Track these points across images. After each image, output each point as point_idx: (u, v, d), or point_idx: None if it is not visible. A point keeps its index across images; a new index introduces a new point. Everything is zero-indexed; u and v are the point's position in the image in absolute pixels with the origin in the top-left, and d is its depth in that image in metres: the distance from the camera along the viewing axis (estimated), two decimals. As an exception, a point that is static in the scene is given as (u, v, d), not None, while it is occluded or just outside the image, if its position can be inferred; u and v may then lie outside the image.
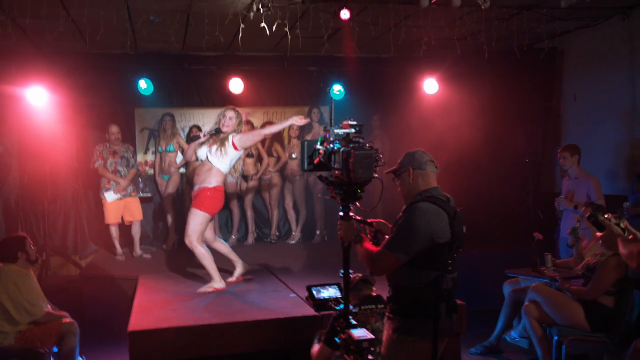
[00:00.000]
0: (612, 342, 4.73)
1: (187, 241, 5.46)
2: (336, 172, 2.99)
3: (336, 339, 3.09)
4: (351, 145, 2.88)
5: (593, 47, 7.83)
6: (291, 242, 8.64)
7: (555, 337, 5.00)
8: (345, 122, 2.99)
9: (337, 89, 8.76)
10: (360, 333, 2.87)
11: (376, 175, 2.90)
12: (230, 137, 5.48)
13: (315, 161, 3.09)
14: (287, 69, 8.66)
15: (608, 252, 4.66)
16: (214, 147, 5.47)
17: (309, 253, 7.82)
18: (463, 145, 7.68)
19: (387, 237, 3.10)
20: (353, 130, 2.97)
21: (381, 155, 2.93)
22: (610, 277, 4.68)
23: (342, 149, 2.90)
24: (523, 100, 8.52)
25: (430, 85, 8.54)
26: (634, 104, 7.21)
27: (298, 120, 5.40)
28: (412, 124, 8.62)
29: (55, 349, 4.88)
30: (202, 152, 5.55)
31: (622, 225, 3.17)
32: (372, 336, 2.86)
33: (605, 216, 3.28)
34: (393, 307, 3.10)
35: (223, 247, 5.92)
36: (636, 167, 6.77)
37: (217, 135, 5.55)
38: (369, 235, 3.29)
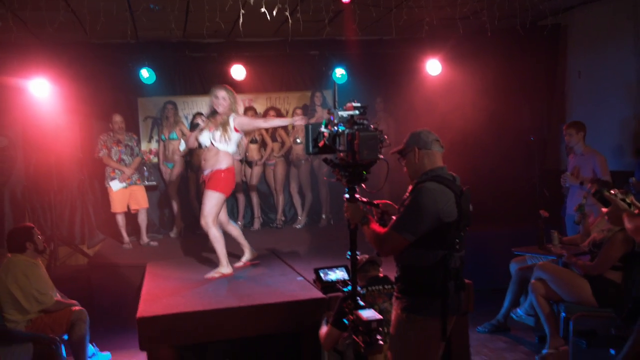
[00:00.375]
0: (619, 317, 4.73)
1: (202, 222, 5.44)
2: (341, 154, 2.98)
3: (344, 320, 3.10)
4: (356, 127, 2.89)
5: (597, 23, 7.75)
6: (297, 227, 8.66)
7: (563, 314, 5.02)
8: (349, 104, 2.98)
9: (339, 72, 8.71)
10: (368, 314, 2.88)
11: (381, 156, 2.90)
12: (230, 121, 5.43)
13: (320, 144, 3.08)
14: (289, 54, 8.63)
15: (615, 227, 4.65)
16: (217, 134, 5.41)
17: (315, 237, 7.84)
18: (467, 125, 7.65)
19: (394, 217, 3.10)
20: (357, 112, 2.97)
21: (386, 137, 2.93)
22: (617, 252, 4.68)
23: (346, 131, 2.91)
24: (527, 78, 8.46)
25: (433, 66, 8.49)
26: (639, 79, 7.15)
27: (299, 121, 5.50)
28: (416, 105, 8.60)
29: (65, 337, 4.94)
30: (205, 138, 5.50)
31: (628, 200, 3.15)
32: (381, 317, 2.87)
33: (612, 192, 3.26)
34: (401, 287, 3.11)
35: (235, 230, 5.94)
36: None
37: (215, 118, 5.50)
38: (375, 217, 3.28)
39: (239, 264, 5.92)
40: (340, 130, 2.96)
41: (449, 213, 2.97)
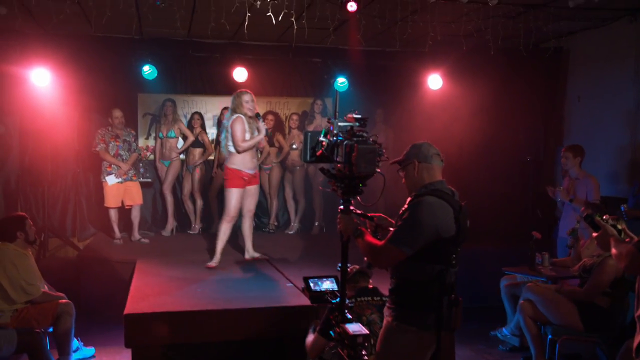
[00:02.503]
0: (605, 343, 4.75)
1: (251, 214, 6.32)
2: (338, 165, 2.96)
3: (331, 332, 3.09)
4: (355, 139, 2.86)
5: (599, 48, 7.81)
6: (289, 233, 8.65)
7: (550, 336, 5.03)
8: (349, 115, 2.97)
9: (340, 81, 8.73)
10: (355, 328, 2.87)
11: (379, 170, 2.88)
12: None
13: (318, 153, 3.06)
14: (292, 60, 8.65)
15: (605, 253, 4.66)
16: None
17: (306, 244, 7.83)
18: (464, 141, 7.68)
19: (391, 229, 3.07)
20: (357, 124, 2.95)
21: (384, 151, 2.91)
22: (607, 278, 4.69)
23: (345, 142, 2.88)
24: (526, 99, 8.51)
25: (434, 81, 8.52)
26: (638, 107, 7.19)
27: (262, 127, 6.06)
28: (415, 118, 8.62)
29: (50, 329, 4.91)
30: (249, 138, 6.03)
31: (619, 227, 3.17)
32: (367, 331, 2.86)
33: (604, 217, 3.28)
34: (395, 299, 3.09)
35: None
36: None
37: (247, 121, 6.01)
38: (369, 230, 3.25)
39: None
40: (339, 140, 2.93)
41: (448, 228, 2.95)
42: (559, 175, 8.08)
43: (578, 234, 5.49)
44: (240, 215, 6.25)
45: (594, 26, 7.61)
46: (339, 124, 2.98)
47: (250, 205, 6.25)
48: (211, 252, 6.45)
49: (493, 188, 8.25)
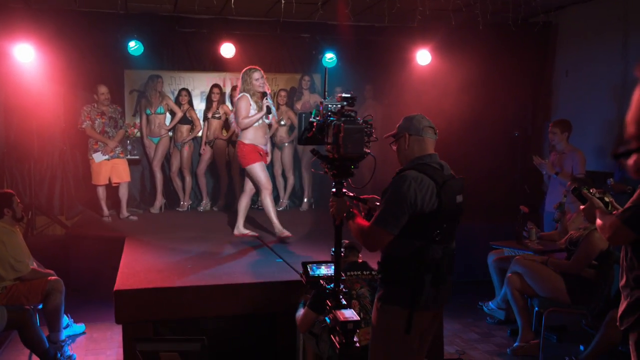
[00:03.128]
0: (590, 315, 4.83)
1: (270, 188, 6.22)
2: (328, 146, 2.88)
3: (327, 319, 3.01)
4: (342, 119, 2.77)
5: (588, 23, 7.80)
6: (278, 209, 8.61)
7: (536, 308, 5.10)
8: (338, 95, 2.89)
9: (329, 56, 8.69)
10: (347, 314, 2.81)
11: (368, 150, 2.79)
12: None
13: (309, 135, 2.97)
14: (280, 35, 8.56)
15: (591, 226, 4.72)
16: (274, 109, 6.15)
17: (296, 220, 7.83)
18: (453, 116, 7.68)
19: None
20: (345, 103, 2.85)
21: (374, 130, 2.82)
22: (593, 251, 4.74)
23: (333, 123, 2.79)
24: (515, 73, 8.50)
25: (423, 57, 8.50)
26: (625, 81, 7.21)
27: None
28: (404, 94, 8.60)
29: (40, 306, 4.91)
30: (261, 115, 6.02)
31: (607, 199, 3.19)
32: (358, 318, 2.81)
33: (591, 190, 3.30)
34: (381, 276, 3.05)
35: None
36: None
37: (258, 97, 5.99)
38: (362, 213, 3.18)
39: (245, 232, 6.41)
40: (328, 121, 2.84)
41: (427, 203, 2.84)
42: (546, 149, 8.12)
43: (564, 208, 5.54)
44: (243, 191, 6.46)
45: (583, 0, 7.59)
46: (327, 103, 2.88)
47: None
48: (198, 228, 6.47)
49: (481, 163, 8.28)
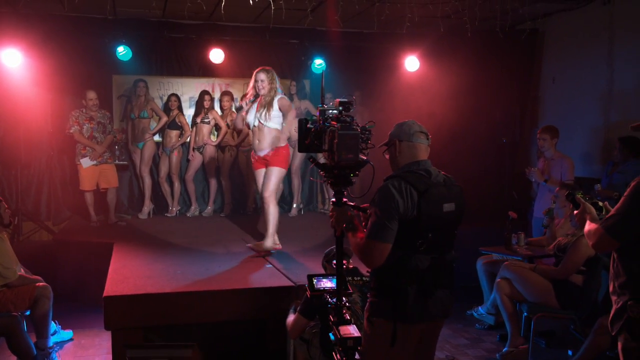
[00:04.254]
0: (579, 320, 4.86)
1: (266, 194, 5.67)
2: (324, 153, 2.77)
3: (330, 335, 2.88)
4: (338, 125, 2.66)
5: (574, 31, 7.89)
6: (267, 215, 8.63)
7: (525, 314, 5.13)
8: (336, 100, 2.79)
9: (318, 62, 8.72)
10: (349, 330, 2.69)
11: (364, 157, 2.69)
12: (275, 100, 5.62)
13: (307, 142, 2.84)
14: (269, 41, 8.58)
15: (578, 232, 4.76)
16: (263, 112, 5.59)
17: (285, 225, 7.78)
18: (441, 123, 7.72)
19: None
20: (341, 108, 2.75)
21: (371, 136, 2.72)
22: (581, 256, 4.78)
23: (329, 129, 2.69)
24: (502, 80, 8.57)
25: (411, 63, 8.55)
26: (611, 88, 7.30)
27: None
28: (393, 100, 8.64)
29: (28, 313, 4.87)
30: (252, 118, 5.69)
31: (600, 204, 3.21)
32: (359, 334, 2.69)
33: (586, 196, 3.32)
34: (371, 286, 2.97)
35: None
36: (612, 152, 6.89)
37: (258, 100, 5.68)
38: (362, 223, 2.98)
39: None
40: (324, 127, 2.74)
41: (409, 210, 2.73)
42: (534, 156, 8.19)
43: (554, 213, 5.59)
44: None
45: (569, 8, 7.68)
46: (323, 109, 2.79)
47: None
48: (187, 234, 6.43)
49: (469, 169, 8.31)
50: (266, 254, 5.74)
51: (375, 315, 2.86)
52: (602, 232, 2.80)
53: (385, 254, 2.75)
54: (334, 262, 3.79)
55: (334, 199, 2.89)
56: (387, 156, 3.04)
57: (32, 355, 4.62)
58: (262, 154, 5.68)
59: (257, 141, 5.69)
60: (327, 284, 3.17)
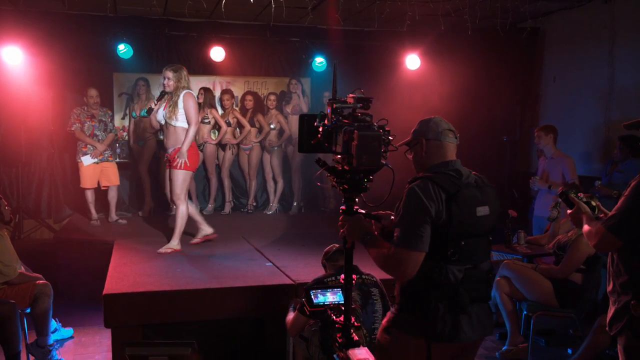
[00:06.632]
0: (578, 318, 4.87)
1: (174, 198, 5.74)
2: (337, 156, 2.46)
3: (335, 357, 2.60)
4: (355, 124, 2.35)
5: (574, 29, 7.88)
6: (268, 213, 8.65)
7: (525, 312, 5.13)
8: (349, 95, 2.47)
9: (319, 61, 8.72)
10: (360, 355, 2.42)
11: (384, 161, 2.37)
12: (180, 97, 5.60)
13: (313, 141, 2.52)
14: (269, 39, 8.59)
15: (579, 231, 4.74)
16: (169, 110, 5.63)
17: (285, 224, 7.86)
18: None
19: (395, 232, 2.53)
20: (359, 105, 2.43)
21: (392, 137, 2.40)
22: (581, 255, 4.78)
23: (344, 129, 2.37)
24: (503, 78, 8.57)
25: (412, 61, 8.55)
26: (611, 87, 7.30)
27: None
28: (393, 98, 8.64)
29: (28, 310, 4.87)
30: (160, 117, 5.73)
31: (593, 203, 3.21)
32: (372, 358, 2.42)
33: (579, 195, 3.32)
34: (397, 299, 2.67)
35: (191, 207, 6.09)
36: (612, 150, 6.88)
37: (167, 98, 5.69)
38: (376, 232, 2.68)
39: (196, 240, 6.13)
40: (337, 126, 2.42)
41: (437, 215, 2.46)
42: (534, 155, 8.18)
43: (559, 207, 5.56)
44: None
45: (570, 7, 7.67)
46: (337, 105, 2.46)
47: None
48: (191, 232, 6.43)
49: (469, 167, 8.28)
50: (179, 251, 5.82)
51: (397, 327, 2.59)
52: (604, 232, 2.78)
53: (419, 263, 2.46)
54: (334, 262, 3.86)
55: (343, 207, 2.59)
56: (409, 156, 2.77)
57: (16, 350, 4.52)
58: (167, 152, 5.77)
59: (165, 139, 5.80)
60: (329, 297, 2.87)
